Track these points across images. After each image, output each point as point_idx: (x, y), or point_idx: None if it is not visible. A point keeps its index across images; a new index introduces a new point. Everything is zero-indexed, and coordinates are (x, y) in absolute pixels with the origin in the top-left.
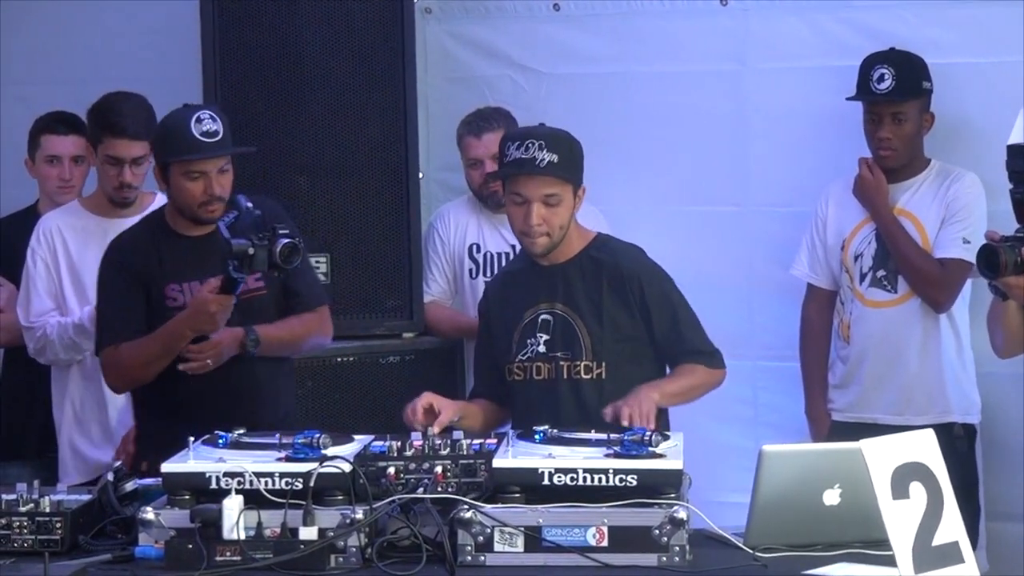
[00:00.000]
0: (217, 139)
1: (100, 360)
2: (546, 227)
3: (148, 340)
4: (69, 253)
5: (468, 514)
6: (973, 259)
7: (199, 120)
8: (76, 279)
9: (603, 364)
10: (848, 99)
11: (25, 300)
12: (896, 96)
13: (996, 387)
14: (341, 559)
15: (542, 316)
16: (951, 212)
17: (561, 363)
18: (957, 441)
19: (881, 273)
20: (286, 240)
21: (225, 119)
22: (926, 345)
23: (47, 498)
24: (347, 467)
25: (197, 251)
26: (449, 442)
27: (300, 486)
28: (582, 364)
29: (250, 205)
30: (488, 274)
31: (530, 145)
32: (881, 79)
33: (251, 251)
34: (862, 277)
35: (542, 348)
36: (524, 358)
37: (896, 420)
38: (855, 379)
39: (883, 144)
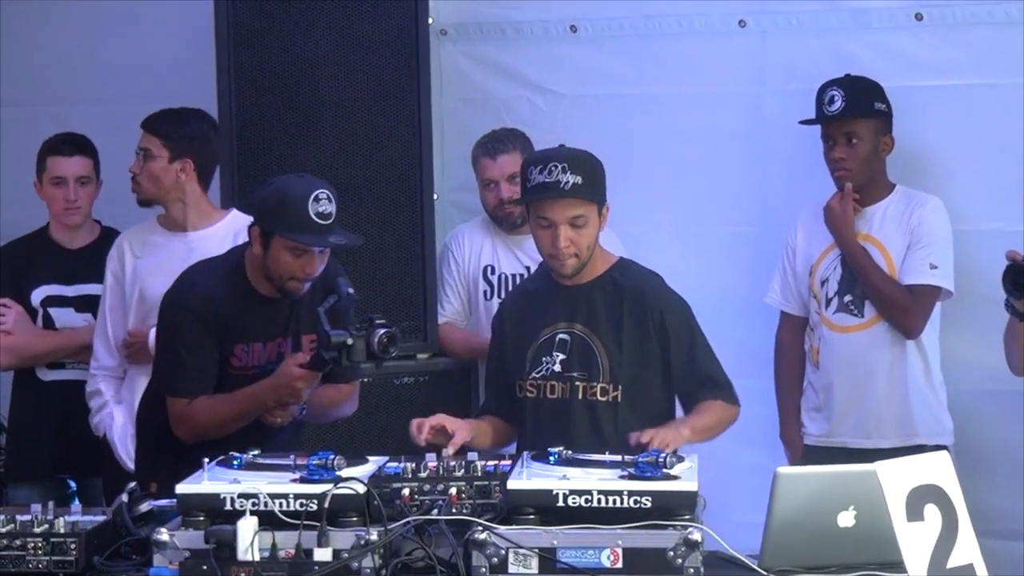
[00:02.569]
0: (330, 221)
1: (168, 406)
2: (574, 248)
3: (226, 402)
4: (136, 266)
5: (483, 536)
6: (942, 284)
7: (317, 199)
8: (141, 294)
9: (619, 387)
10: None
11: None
12: (845, 115)
13: (973, 404)
14: None
15: (560, 335)
16: (916, 238)
17: (577, 383)
18: None
19: (848, 298)
20: (383, 330)
21: (337, 198)
22: (892, 369)
23: (62, 519)
24: (362, 488)
25: (269, 313)
26: (464, 463)
27: (315, 507)
28: (599, 386)
29: (351, 291)
30: (502, 295)
31: (553, 168)
32: (831, 101)
33: (350, 342)
34: (827, 302)
35: (557, 367)
36: (538, 376)
37: (864, 443)
38: (825, 404)
39: (837, 165)
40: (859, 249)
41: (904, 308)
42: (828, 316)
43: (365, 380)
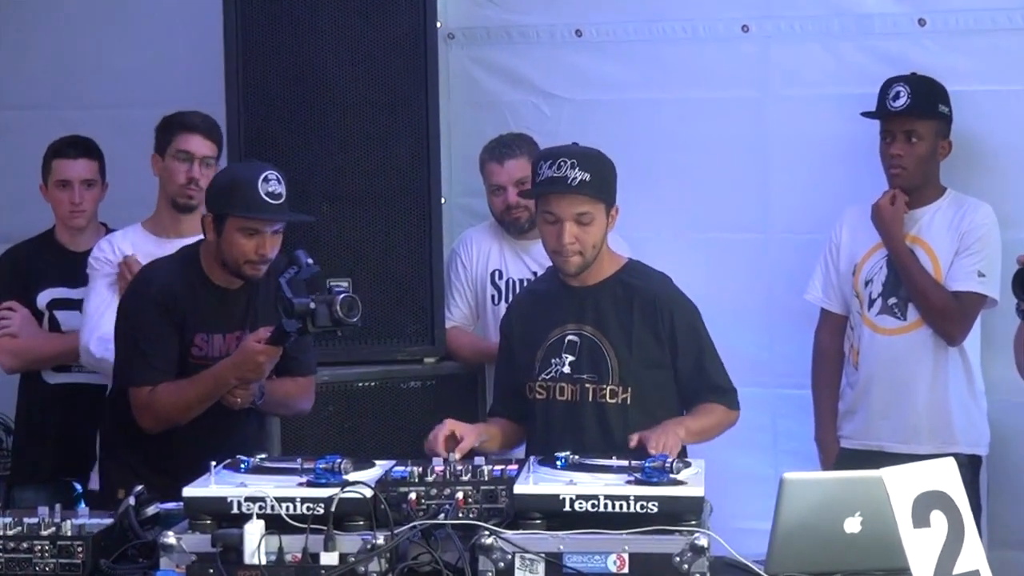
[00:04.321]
0: (280, 201)
1: (131, 398)
2: (579, 245)
3: (188, 384)
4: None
5: (489, 540)
6: (988, 292)
7: (266, 180)
8: None
9: (629, 389)
10: (863, 114)
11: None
12: (910, 113)
13: (1006, 414)
14: None
15: (569, 337)
16: (965, 244)
17: (587, 385)
18: (960, 470)
19: (892, 300)
20: (344, 295)
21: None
22: (934, 374)
23: (68, 522)
24: (368, 492)
25: (224, 303)
26: (470, 468)
27: (321, 511)
28: (608, 388)
29: (310, 261)
30: (510, 300)
31: (562, 164)
32: (897, 96)
33: (312, 306)
34: (871, 303)
35: (567, 369)
36: (547, 377)
37: (901, 448)
38: (861, 406)
39: (894, 161)
40: (907, 251)
41: (948, 314)
42: (870, 317)
43: (372, 384)
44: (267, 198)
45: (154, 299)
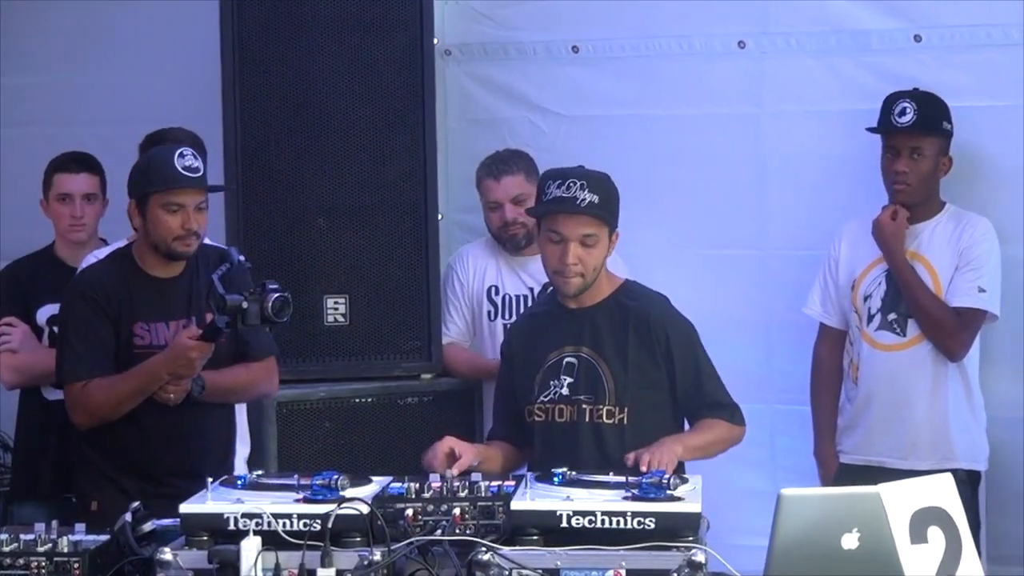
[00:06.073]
0: (198, 175)
1: (65, 394)
2: (581, 267)
3: (121, 380)
4: None
5: (486, 556)
6: (989, 307)
7: (181, 155)
8: None
9: (626, 410)
10: (868, 129)
11: None
12: (916, 130)
13: (1005, 429)
14: None
15: (567, 359)
16: (966, 260)
17: (584, 406)
18: (959, 486)
19: (892, 316)
20: (277, 294)
21: (205, 159)
22: (934, 390)
23: (65, 538)
24: (365, 508)
25: (164, 293)
26: (467, 484)
27: (318, 527)
28: (605, 408)
29: (242, 259)
30: (507, 316)
31: (571, 184)
32: (903, 113)
33: (244, 305)
34: (870, 319)
35: (565, 391)
36: (546, 400)
37: (901, 464)
38: (861, 421)
39: (899, 178)
40: (908, 267)
41: (950, 330)
42: (870, 333)
43: (369, 400)
44: (184, 172)
45: (84, 296)
